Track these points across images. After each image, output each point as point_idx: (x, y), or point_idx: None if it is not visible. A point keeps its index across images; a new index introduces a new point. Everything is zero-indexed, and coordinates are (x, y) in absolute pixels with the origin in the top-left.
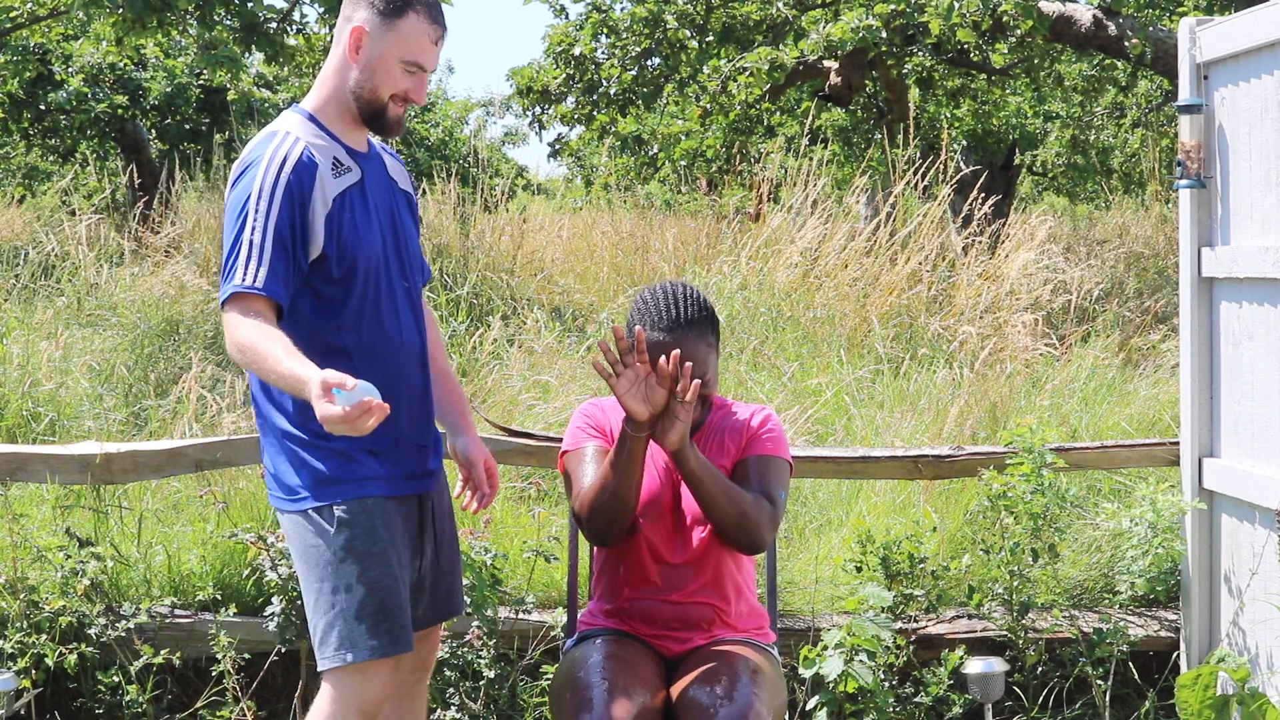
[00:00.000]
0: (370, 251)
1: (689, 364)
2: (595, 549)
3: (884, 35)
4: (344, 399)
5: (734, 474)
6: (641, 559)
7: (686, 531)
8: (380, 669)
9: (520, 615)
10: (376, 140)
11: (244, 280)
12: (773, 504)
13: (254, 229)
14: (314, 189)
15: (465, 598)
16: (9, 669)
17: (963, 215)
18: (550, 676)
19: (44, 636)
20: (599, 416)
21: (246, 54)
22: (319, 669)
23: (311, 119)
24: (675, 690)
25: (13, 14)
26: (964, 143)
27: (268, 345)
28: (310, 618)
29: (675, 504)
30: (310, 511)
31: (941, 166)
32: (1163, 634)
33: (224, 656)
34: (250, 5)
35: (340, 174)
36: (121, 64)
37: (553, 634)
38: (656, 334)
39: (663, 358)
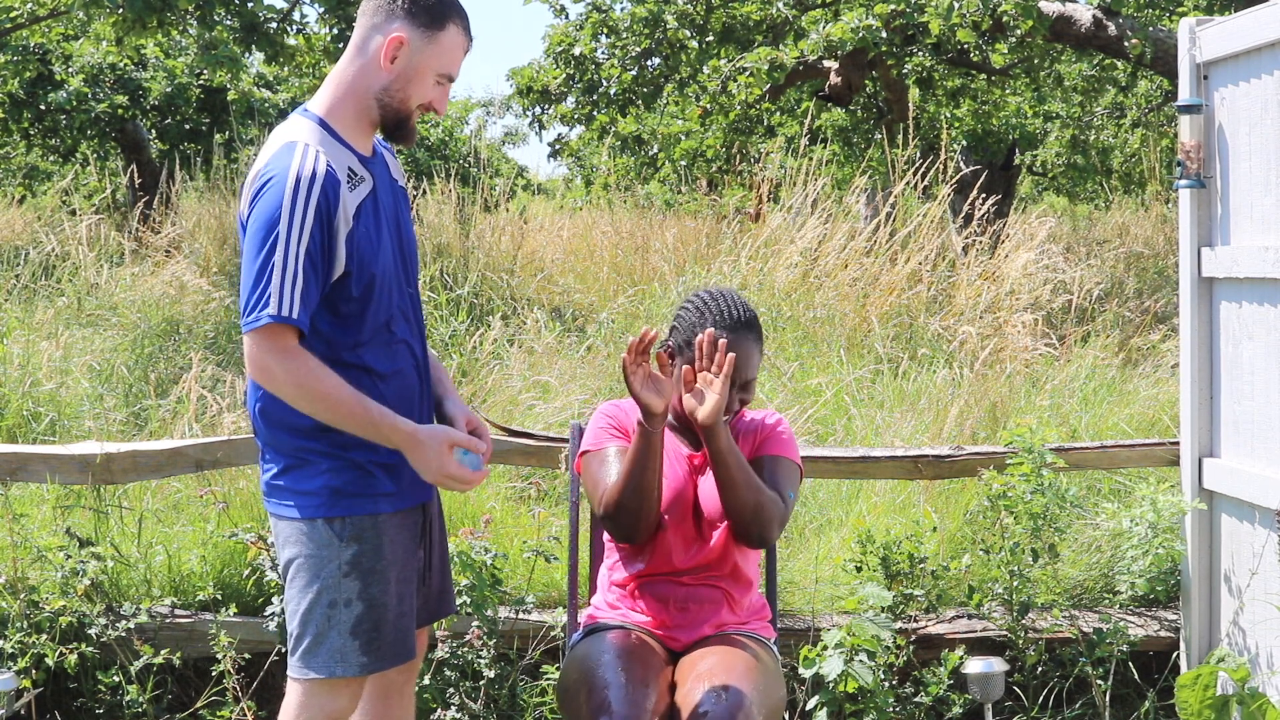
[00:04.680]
0: (384, 265)
1: (723, 340)
2: (596, 548)
3: (884, 35)
4: (470, 460)
5: None
6: (656, 559)
7: (705, 532)
8: (354, 683)
9: (520, 615)
10: (377, 137)
11: (279, 310)
12: (784, 502)
13: (286, 252)
14: (338, 208)
15: (466, 597)
16: (9, 669)
17: (963, 215)
18: (553, 676)
19: (44, 636)
20: (620, 417)
21: (246, 54)
22: (291, 674)
23: (323, 125)
24: (677, 687)
25: (13, 14)
26: (964, 143)
27: (357, 400)
28: (294, 623)
29: (695, 505)
30: (320, 521)
31: (941, 166)
32: (1163, 634)
33: (224, 656)
34: (250, 5)
35: (355, 185)
36: (121, 64)
37: (553, 634)
38: (719, 332)
39: (700, 337)
